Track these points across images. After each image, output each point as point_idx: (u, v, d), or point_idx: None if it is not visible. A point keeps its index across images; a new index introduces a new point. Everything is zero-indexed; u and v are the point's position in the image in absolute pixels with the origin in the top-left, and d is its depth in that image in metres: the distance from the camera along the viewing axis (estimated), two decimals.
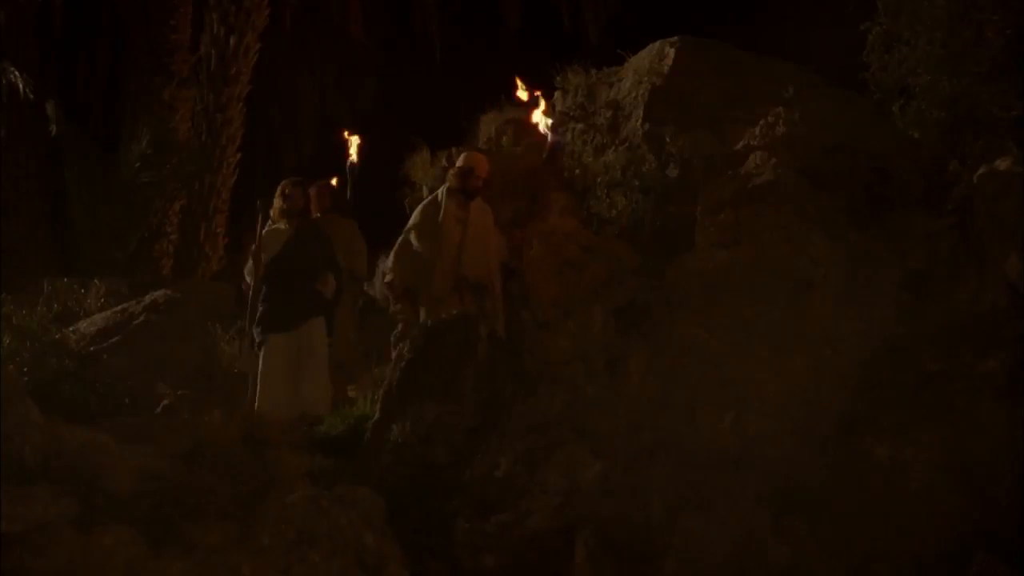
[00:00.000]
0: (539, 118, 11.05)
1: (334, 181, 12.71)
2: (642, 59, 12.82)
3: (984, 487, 9.73)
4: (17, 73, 17.52)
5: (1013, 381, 10.06)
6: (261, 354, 11.20)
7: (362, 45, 26.02)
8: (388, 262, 11.46)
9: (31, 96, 17.50)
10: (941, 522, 9.55)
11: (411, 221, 11.30)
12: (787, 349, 10.24)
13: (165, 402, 8.91)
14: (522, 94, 11.22)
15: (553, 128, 10.94)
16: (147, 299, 12.31)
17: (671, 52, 12.51)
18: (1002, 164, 11.12)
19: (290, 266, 11.31)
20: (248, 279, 11.36)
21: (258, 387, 11.06)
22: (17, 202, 19.55)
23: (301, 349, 11.26)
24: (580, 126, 12.72)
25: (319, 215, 12.08)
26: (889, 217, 11.02)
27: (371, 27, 25.80)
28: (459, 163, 11.04)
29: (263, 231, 11.34)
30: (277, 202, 11.52)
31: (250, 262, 11.30)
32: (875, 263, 10.70)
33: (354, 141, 12.73)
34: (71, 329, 11.85)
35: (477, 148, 11.63)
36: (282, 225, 11.39)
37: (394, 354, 10.00)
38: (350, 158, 12.83)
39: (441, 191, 11.16)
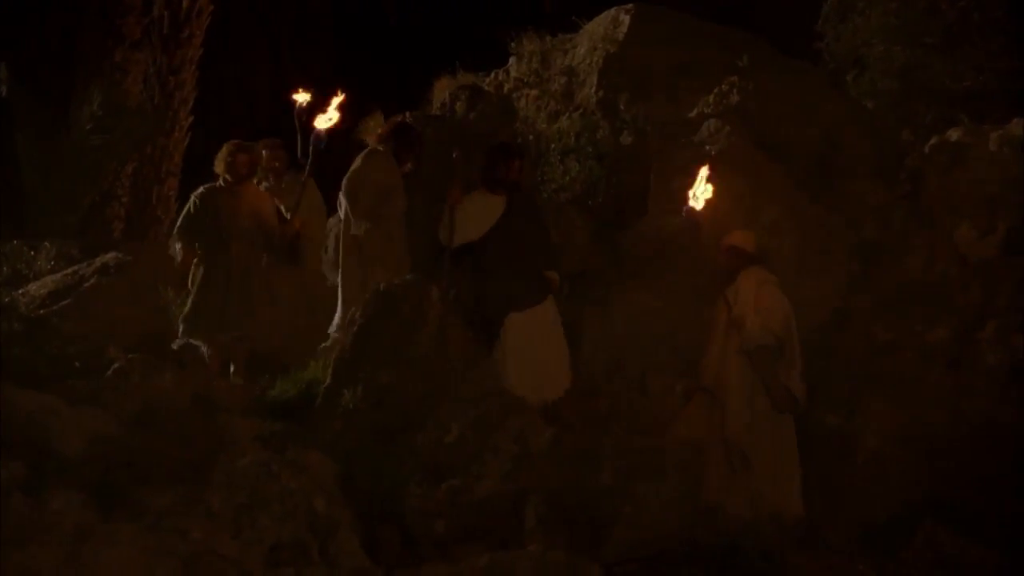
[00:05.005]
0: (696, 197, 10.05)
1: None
2: (597, 26, 12.80)
3: (933, 455, 9.83)
4: None
5: (962, 350, 10.15)
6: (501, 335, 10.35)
7: (316, 7, 25.90)
8: None
9: None
10: (890, 489, 9.65)
11: None
12: None
13: (116, 365, 8.84)
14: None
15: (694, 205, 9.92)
16: (98, 262, 12.19)
17: (626, 19, 12.49)
18: (954, 135, 11.20)
19: (510, 245, 10.42)
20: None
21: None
22: None
23: (540, 328, 10.35)
24: (534, 92, 12.69)
25: (275, 180, 11.82)
26: (841, 186, 11.09)
27: None
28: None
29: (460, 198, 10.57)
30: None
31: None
32: (827, 232, 10.76)
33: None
34: (21, 292, 11.75)
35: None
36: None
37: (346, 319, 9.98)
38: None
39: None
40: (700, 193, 9.67)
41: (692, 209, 9.63)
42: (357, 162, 10.89)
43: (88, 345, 9.82)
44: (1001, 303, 10.18)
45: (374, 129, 12.55)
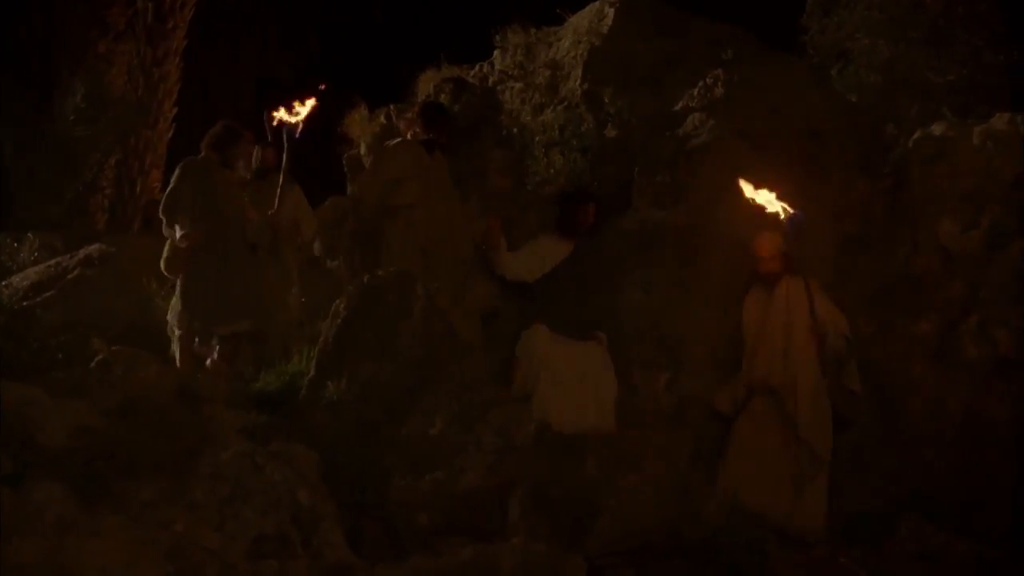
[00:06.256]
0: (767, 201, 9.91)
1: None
2: (581, 18, 12.79)
3: (915, 448, 9.87)
4: None
5: (945, 343, 10.19)
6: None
7: None
8: None
9: None
10: (873, 482, 9.68)
11: None
12: (723, 309, 10.30)
13: (99, 357, 8.81)
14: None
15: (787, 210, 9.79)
16: (81, 253, 12.20)
17: (610, 12, 12.48)
18: (937, 129, 11.21)
19: (563, 289, 10.27)
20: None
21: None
22: None
23: (579, 364, 10.06)
24: (519, 85, 12.67)
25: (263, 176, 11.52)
26: (825, 179, 11.09)
27: None
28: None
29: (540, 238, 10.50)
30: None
31: None
32: (811, 225, 10.76)
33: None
34: (4, 283, 11.76)
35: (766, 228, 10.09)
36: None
37: (331, 311, 9.97)
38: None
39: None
40: (773, 202, 9.65)
41: (796, 214, 9.57)
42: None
43: (71, 337, 9.80)
44: (983, 297, 10.21)
45: (359, 122, 12.53)
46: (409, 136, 10.69)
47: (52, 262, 12.21)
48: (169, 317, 10.94)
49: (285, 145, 10.76)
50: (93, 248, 12.32)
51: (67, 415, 7.31)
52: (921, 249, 10.63)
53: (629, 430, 9.33)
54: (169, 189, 10.89)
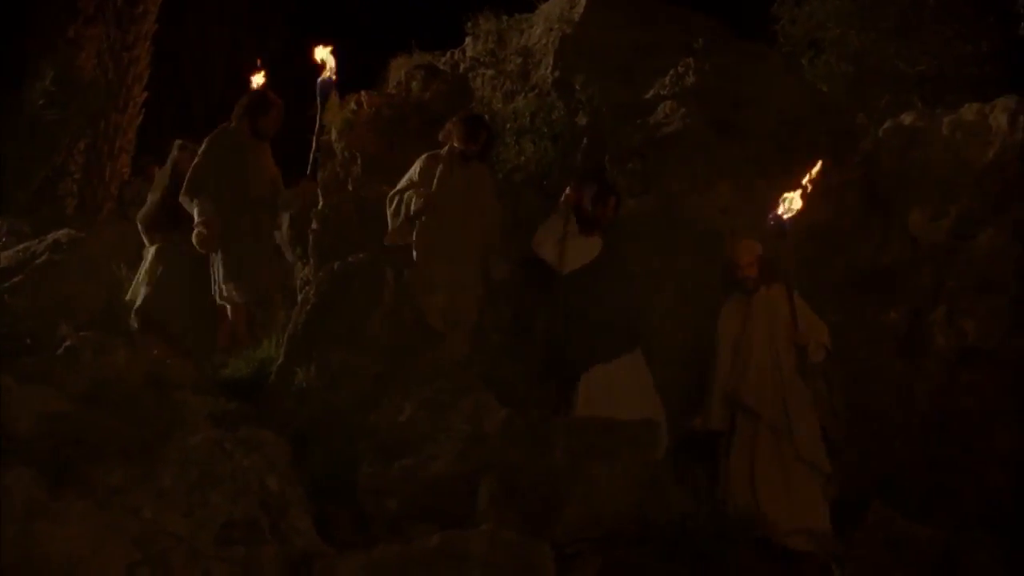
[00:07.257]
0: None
1: None
2: (553, 6, 12.78)
3: (883, 437, 9.91)
4: None
5: (913, 333, 10.22)
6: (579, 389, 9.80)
7: None
8: None
9: None
10: (840, 471, 9.70)
11: None
12: (693, 298, 10.31)
13: (67, 343, 8.79)
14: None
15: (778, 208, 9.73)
16: (50, 238, 12.10)
17: (582, 0, 12.50)
18: (907, 118, 11.26)
19: (603, 288, 9.90)
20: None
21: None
22: None
23: (622, 383, 9.73)
24: (490, 72, 12.66)
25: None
26: (796, 168, 11.12)
27: None
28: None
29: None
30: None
31: None
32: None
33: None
34: None
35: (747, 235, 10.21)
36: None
37: (300, 297, 9.95)
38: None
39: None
40: (791, 204, 9.68)
41: (779, 216, 9.63)
42: None
43: (39, 322, 9.76)
44: (951, 287, 10.26)
45: (331, 109, 12.49)
46: (446, 148, 10.47)
47: (20, 247, 12.11)
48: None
49: (319, 102, 10.73)
50: (61, 233, 12.22)
51: (35, 401, 7.29)
52: (891, 238, 10.68)
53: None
54: (195, 163, 10.71)
